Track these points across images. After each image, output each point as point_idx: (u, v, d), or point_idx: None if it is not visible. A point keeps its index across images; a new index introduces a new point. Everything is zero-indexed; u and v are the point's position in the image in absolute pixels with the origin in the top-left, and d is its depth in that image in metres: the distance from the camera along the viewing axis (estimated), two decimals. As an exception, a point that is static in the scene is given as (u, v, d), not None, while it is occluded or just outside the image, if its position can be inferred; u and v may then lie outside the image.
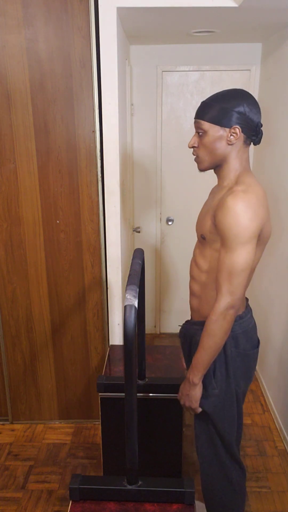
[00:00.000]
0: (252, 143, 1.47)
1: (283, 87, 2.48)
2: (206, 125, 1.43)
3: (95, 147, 2.15)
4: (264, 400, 2.79)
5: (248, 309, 1.61)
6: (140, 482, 1.35)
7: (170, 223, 3.39)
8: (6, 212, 2.24)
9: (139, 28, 2.48)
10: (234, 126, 1.40)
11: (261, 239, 1.45)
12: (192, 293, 1.63)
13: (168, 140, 3.20)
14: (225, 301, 1.38)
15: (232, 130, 1.41)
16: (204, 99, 1.50)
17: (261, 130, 1.44)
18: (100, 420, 1.98)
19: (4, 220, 2.26)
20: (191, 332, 1.64)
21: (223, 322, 1.40)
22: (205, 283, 1.55)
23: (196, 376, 1.48)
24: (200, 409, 1.56)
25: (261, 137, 1.45)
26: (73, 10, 1.98)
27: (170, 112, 3.14)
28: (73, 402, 2.58)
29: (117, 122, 2.15)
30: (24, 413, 2.60)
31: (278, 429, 2.53)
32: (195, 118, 1.48)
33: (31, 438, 2.50)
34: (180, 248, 3.44)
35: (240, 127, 1.40)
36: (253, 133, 1.43)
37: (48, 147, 2.15)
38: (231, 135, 1.41)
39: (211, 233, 1.47)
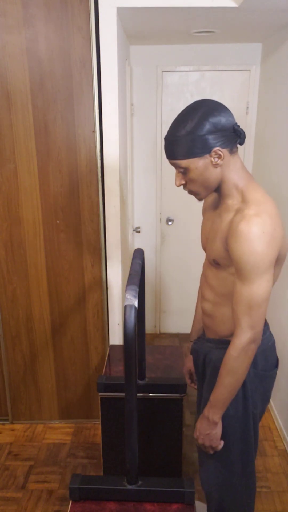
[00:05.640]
0: (238, 144, 1.32)
1: (283, 87, 2.48)
2: (183, 162, 1.28)
3: (95, 147, 2.15)
4: (264, 400, 2.79)
5: (266, 326, 1.49)
6: (140, 482, 1.35)
7: (170, 223, 3.39)
8: (6, 212, 2.24)
9: (139, 28, 2.48)
10: (214, 149, 1.25)
11: (279, 259, 1.32)
12: (205, 313, 1.54)
13: (168, 140, 3.20)
14: (246, 336, 1.27)
15: (213, 154, 1.26)
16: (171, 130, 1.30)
17: (241, 130, 1.28)
18: (100, 420, 1.99)
19: (4, 220, 2.26)
20: (205, 350, 1.55)
21: (244, 358, 1.30)
22: (219, 303, 1.46)
23: (216, 414, 1.38)
24: (221, 445, 1.44)
25: (244, 136, 1.29)
26: (73, 10, 1.98)
27: (170, 112, 3.14)
28: (73, 402, 2.58)
29: (117, 122, 2.15)
30: (24, 413, 2.60)
31: (278, 429, 2.53)
32: (168, 159, 1.32)
33: (31, 438, 2.50)
34: (180, 248, 3.44)
35: (219, 145, 1.25)
36: (234, 139, 1.28)
37: (48, 147, 2.15)
38: (214, 158, 1.27)
39: (225, 258, 1.35)
